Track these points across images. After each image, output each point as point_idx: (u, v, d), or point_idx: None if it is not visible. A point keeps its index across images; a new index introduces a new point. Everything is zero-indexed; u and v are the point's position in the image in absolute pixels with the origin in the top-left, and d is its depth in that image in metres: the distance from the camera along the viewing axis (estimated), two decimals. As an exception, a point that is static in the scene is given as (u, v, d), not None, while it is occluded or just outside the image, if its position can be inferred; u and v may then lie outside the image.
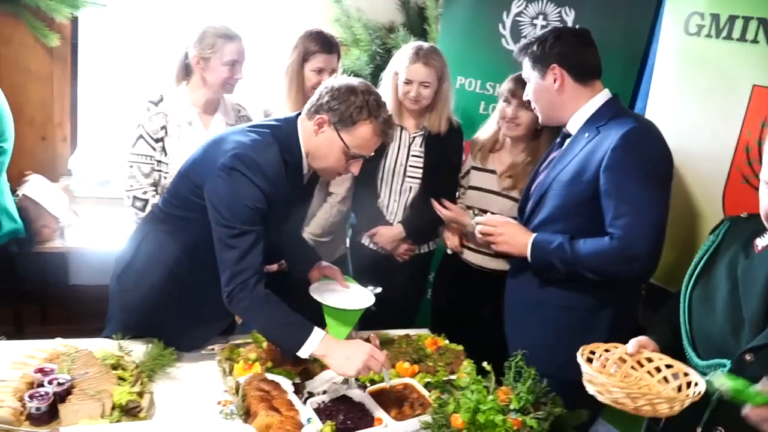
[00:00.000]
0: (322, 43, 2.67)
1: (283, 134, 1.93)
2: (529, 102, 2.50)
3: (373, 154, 2.01)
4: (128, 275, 2.10)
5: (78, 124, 3.66)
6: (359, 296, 2.13)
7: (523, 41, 2.13)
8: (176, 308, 2.03)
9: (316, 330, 1.83)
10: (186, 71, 2.59)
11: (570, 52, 2.02)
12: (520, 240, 2.08)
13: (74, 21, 3.41)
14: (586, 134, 2.00)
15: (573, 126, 2.07)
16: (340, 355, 1.79)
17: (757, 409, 1.37)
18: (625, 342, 2.01)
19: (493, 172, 2.72)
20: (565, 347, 2.04)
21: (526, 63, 2.09)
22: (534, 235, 2.06)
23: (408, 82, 2.68)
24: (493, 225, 2.16)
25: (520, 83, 2.54)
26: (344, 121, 1.87)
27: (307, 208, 2.28)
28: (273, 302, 1.84)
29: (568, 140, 2.09)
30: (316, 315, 2.10)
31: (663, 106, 2.48)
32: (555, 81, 2.02)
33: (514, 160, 2.67)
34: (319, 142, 1.91)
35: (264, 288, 1.83)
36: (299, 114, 1.98)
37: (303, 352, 1.80)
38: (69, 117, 3.59)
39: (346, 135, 1.88)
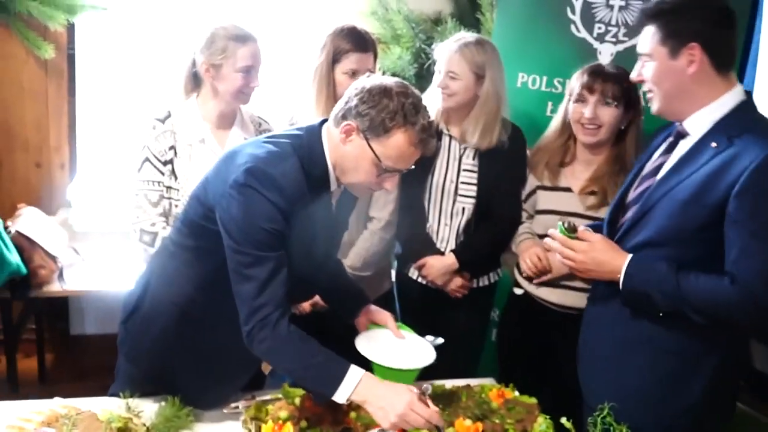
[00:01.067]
0: (356, 41, 2.70)
1: (305, 144, 1.95)
2: (611, 98, 2.50)
3: (412, 167, 2.00)
4: (135, 320, 2.14)
5: (77, 147, 3.79)
6: (416, 349, 2.12)
7: (650, 4, 1.97)
8: (191, 357, 2.06)
9: (354, 368, 1.83)
10: (195, 82, 2.63)
11: (715, 32, 1.88)
12: (611, 260, 2.01)
13: (70, 29, 3.55)
14: (714, 143, 1.89)
15: (694, 126, 1.96)
16: (377, 402, 1.81)
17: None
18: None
19: (568, 189, 2.68)
20: (657, 399, 2.01)
21: (652, 32, 1.94)
22: (630, 256, 1.98)
23: (438, 72, 2.71)
24: (577, 247, 2.08)
25: (597, 76, 2.54)
26: (375, 128, 1.87)
27: (342, 233, 2.28)
28: (300, 339, 1.85)
29: (682, 142, 2.00)
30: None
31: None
32: (690, 64, 1.89)
33: (597, 172, 2.62)
34: (347, 153, 1.92)
35: (289, 323, 1.85)
36: (324, 121, 2.00)
37: (339, 396, 1.81)
38: (67, 140, 3.73)
39: (377, 145, 1.88)
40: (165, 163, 2.56)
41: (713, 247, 1.86)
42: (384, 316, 2.17)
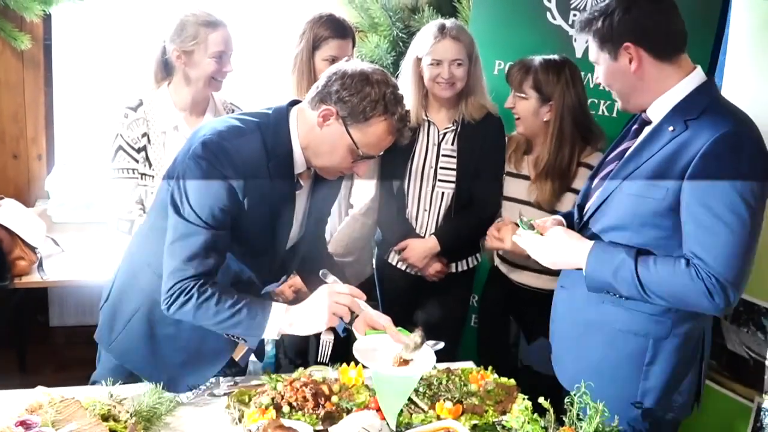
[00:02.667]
0: (335, 28, 2.73)
1: (271, 123, 1.97)
2: (521, 90, 2.60)
3: (381, 153, 2.03)
4: (109, 307, 2.16)
5: (54, 138, 3.76)
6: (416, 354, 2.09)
7: (582, 16, 2.02)
8: (165, 341, 2.08)
9: (276, 306, 1.92)
10: (166, 70, 2.64)
11: (646, 25, 1.90)
12: (574, 250, 2.04)
13: (47, 19, 3.52)
14: (671, 127, 1.92)
15: (655, 113, 1.99)
16: (303, 319, 1.90)
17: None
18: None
19: (527, 177, 2.73)
20: (622, 378, 2.07)
21: (591, 42, 2.00)
22: (591, 245, 2.01)
23: (436, 63, 2.71)
24: (540, 243, 2.12)
25: (516, 67, 2.66)
26: (356, 116, 1.89)
27: (324, 218, 2.30)
28: (217, 302, 1.89)
29: (647, 129, 2.03)
30: (334, 351, 2.13)
31: (740, 82, 2.47)
32: (631, 62, 1.92)
33: (538, 161, 2.68)
34: (323, 137, 1.93)
35: (208, 289, 1.89)
36: (294, 102, 2.01)
37: (270, 335, 1.90)
38: (44, 131, 3.70)
39: (355, 132, 1.90)
40: (138, 151, 2.57)
41: (672, 230, 1.91)
42: (383, 320, 2.14)
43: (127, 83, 3.70)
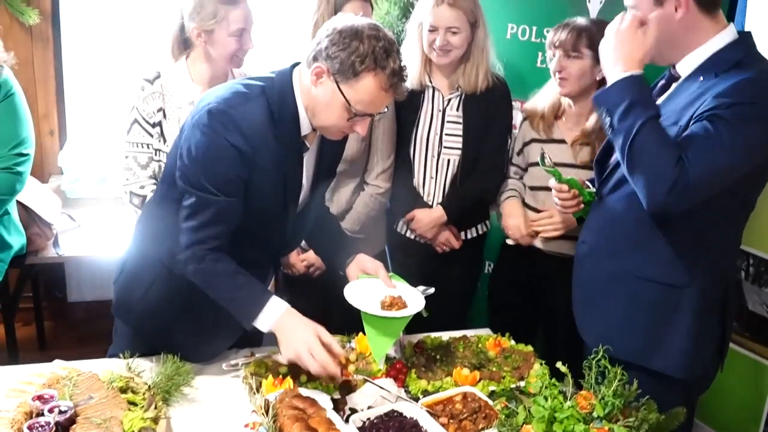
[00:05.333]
0: None
1: (276, 86, 1.94)
2: (577, 51, 2.52)
3: (384, 110, 2.01)
4: (124, 279, 2.16)
5: (66, 113, 3.75)
6: (406, 298, 2.12)
7: None
8: (181, 311, 2.07)
9: (275, 301, 1.94)
10: (184, 45, 2.59)
11: None
12: (631, 49, 1.89)
13: (54, -7, 3.49)
14: (701, 78, 1.90)
15: (685, 68, 1.96)
16: (284, 334, 1.93)
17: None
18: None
19: (562, 141, 2.68)
20: (644, 330, 2.05)
21: None
22: (635, 73, 1.88)
23: (433, 29, 2.67)
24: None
25: (564, 29, 2.58)
26: (345, 72, 1.85)
27: (328, 181, 2.28)
28: (227, 274, 1.94)
29: (675, 85, 2.00)
30: (353, 321, 2.12)
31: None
32: (677, 9, 1.87)
33: (586, 127, 2.62)
34: (318, 96, 1.90)
35: (222, 258, 1.93)
36: (296, 64, 1.98)
37: (260, 325, 1.94)
38: (56, 106, 3.69)
39: (347, 88, 1.86)
40: (154, 125, 2.54)
41: None
42: (375, 265, 2.17)
43: (136, 56, 3.69)
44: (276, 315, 1.93)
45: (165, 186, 2.06)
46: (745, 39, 1.94)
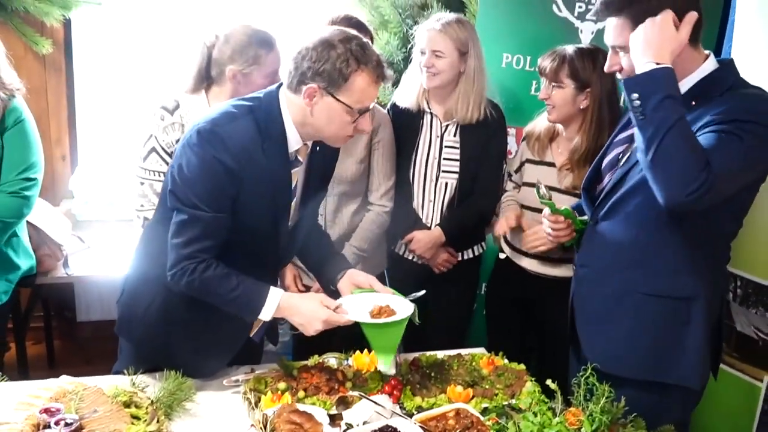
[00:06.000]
0: (356, 29, 2.68)
1: (263, 105, 2.00)
2: (559, 81, 2.56)
3: (375, 103, 2.07)
4: (126, 299, 2.21)
5: (77, 139, 3.82)
6: (398, 306, 2.14)
7: None
8: (180, 328, 2.11)
9: (273, 290, 2.02)
10: (206, 79, 2.58)
11: (684, 7, 1.88)
12: (663, 46, 1.85)
13: (67, 24, 3.58)
14: (693, 102, 1.93)
15: None
16: (296, 318, 2.03)
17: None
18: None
19: (552, 164, 2.73)
20: (654, 345, 2.06)
21: (620, 23, 1.93)
22: (666, 66, 1.85)
23: (423, 52, 2.75)
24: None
25: (549, 58, 2.63)
26: (335, 81, 1.90)
27: (318, 200, 2.32)
28: (220, 280, 1.99)
29: None
30: (352, 339, 2.16)
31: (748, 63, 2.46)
32: None
33: (573, 149, 2.67)
34: (318, 115, 1.96)
35: (211, 267, 1.98)
36: (281, 84, 2.03)
37: (264, 316, 2.01)
38: (67, 132, 3.76)
39: (342, 95, 1.92)
40: (171, 155, 2.55)
41: None
42: (367, 278, 2.21)
43: (146, 86, 3.76)
44: (275, 303, 2.01)
45: (163, 208, 2.10)
46: (729, 66, 1.99)
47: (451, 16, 2.79)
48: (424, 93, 2.85)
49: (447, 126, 2.86)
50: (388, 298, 2.17)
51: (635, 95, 1.84)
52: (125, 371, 2.05)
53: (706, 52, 1.98)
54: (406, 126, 2.87)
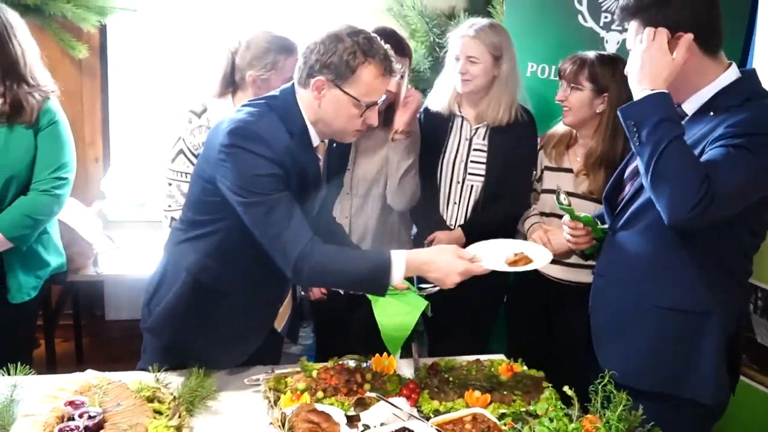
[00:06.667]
0: (396, 44, 2.58)
1: (281, 103, 2.01)
2: (578, 83, 2.56)
3: (385, 96, 2.04)
4: (154, 294, 2.22)
5: (110, 142, 3.89)
6: (537, 255, 2.12)
7: (629, 1, 1.94)
8: (206, 320, 2.13)
9: (394, 254, 1.96)
10: (233, 84, 2.64)
11: (700, 15, 1.87)
12: (661, 67, 1.85)
13: (102, 30, 3.65)
14: (711, 113, 1.91)
15: (691, 106, 1.97)
16: (431, 275, 2.00)
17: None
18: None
19: (569, 170, 2.72)
20: (668, 359, 2.03)
21: (635, 28, 1.93)
22: (663, 92, 1.86)
23: (457, 58, 2.76)
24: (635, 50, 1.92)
25: (570, 61, 2.65)
26: (342, 73, 1.92)
27: (337, 191, 2.33)
28: (336, 258, 1.97)
29: (682, 123, 1.97)
30: (370, 341, 2.17)
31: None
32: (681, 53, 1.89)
33: (588, 154, 2.67)
34: (325, 107, 1.97)
35: (320, 246, 1.93)
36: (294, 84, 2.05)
37: (395, 281, 1.97)
38: (101, 135, 3.83)
39: (350, 88, 1.94)
40: (198, 157, 2.60)
41: None
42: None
43: (179, 91, 3.81)
44: (402, 261, 1.95)
45: (188, 210, 2.15)
46: (750, 76, 1.96)
47: (484, 21, 2.80)
48: (456, 97, 2.86)
49: (477, 129, 2.86)
50: (522, 245, 2.17)
51: (631, 122, 1.87)
52: (149, 368, 2.07)
53: (728, 62, 1.96)
54: (436, 129, 2.89)
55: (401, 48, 2.72)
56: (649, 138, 1.83)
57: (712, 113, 1.91)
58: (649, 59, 1.87)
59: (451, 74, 2.83)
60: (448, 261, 1.99)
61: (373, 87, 1.96)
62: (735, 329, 2.05)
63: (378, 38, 1.99)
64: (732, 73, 1.94)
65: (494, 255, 2.09)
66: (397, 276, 1.95)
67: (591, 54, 2.66)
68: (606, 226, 2.25)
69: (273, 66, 2.52)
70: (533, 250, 2.09)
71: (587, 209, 2.37)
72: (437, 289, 2.17)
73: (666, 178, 1.81)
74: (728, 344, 2.04)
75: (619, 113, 1.92)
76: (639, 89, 1.88)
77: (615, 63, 2.60)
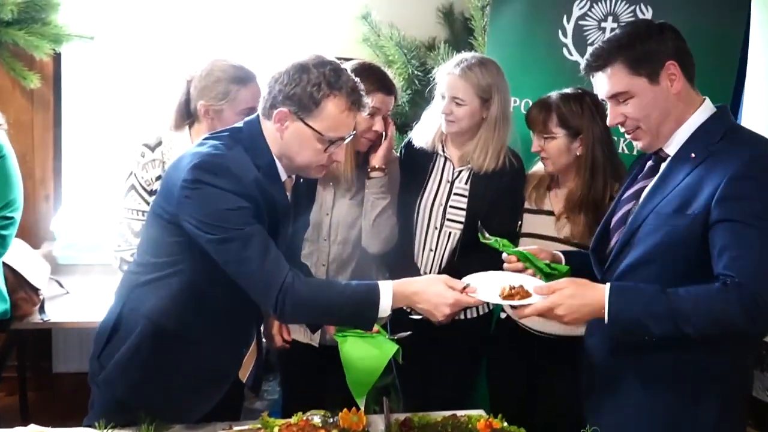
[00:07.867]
0: (381, 81, 2.67)
1: (246, 135, 2.03)
2: (549, 132, 2.61)
3: (353, 133, 2.06)
4: (106, 345, 2.17)
5: (62, 179, 3.87)
6: (529, 287, 2.09)
7: (604, 46, 2.00)
8: (166, 370, 2.10)
9: (382, 285, 1.98)
10: (188, 115, 2.66)
11: (677, 42, 1.97)
12: (589, 298, 1.93)
13: (57, 58, 3.66)
14: (693, 154, 1.96)
15: (671, 147, 2.03)
16: (420, 306, 2.01)
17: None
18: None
19: (550, 213, 2.74)
20: (664, 423, 2.05)
21: (617, 69, 1.97)
22: (607, 286, 1.93)
23: (443, 96, 2.74)
24: (548, 304, 1.97)
25: (535, 109, 2.69)
26: (305, 106, 1.95)
27: (303, 230, 2.33)
28: (320, 290, 1.99)
29: (664, 165, 2.05)
30: (341, 395, 2.16)
31: (760, 114, 2.50)
32: (672, 82, 1.96)
33: (567, 197, 2.69)
34: (289, 140, 2.00)
35: (302, 280, 1.94)
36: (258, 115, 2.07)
37: (382, 313, 1.97)
38: (52, 171, 3.81)
39: (313, 121, 1.96)
40: (150, 193, 2.60)
41: (703, 261, 1.89)
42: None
43: (135, 123, 3.81)
44: (389, 292, 1.97)
45: (145, 253, 2.14)
46: (723, 111, 2.04)
47: (473, 58, 2.74)
48: (441, 135, 2.84)
49: (460, 171, 2.83)
50: (521, 278, 2.15)
51: (626, 333, 1.95)
52: (96, 424, 2.04)
53: (702, 96, 2.04)
54: (416, 166, 2.86)
55: (386, 86, 2.68)
56: (661, 332, 1.87)
57: (693, 155, 1.96)
58: (571, 308, 1.94)
59: (437, 111, 2.81)
60: (438, 291, 2.00)
61: (338, 121, 1.98)
62: (738, 392, 2.08)
63: (347, 70, 2.02)
64: (707, 108, 2.02)
65: (490, 286, 2.09)
66: (385, 307, 1.96)
67: (554, 96, 2.68)
68: (560, 264, 2.27)
69: (224, 96, 2.54)
70: (533, 285, 2.06)
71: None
72: (409, 333, 2.18)
73: (711, 326, 1.85)
74: (730, 404, 2.05)
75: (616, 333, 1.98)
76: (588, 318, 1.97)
77: (581, 99, 2.63)
